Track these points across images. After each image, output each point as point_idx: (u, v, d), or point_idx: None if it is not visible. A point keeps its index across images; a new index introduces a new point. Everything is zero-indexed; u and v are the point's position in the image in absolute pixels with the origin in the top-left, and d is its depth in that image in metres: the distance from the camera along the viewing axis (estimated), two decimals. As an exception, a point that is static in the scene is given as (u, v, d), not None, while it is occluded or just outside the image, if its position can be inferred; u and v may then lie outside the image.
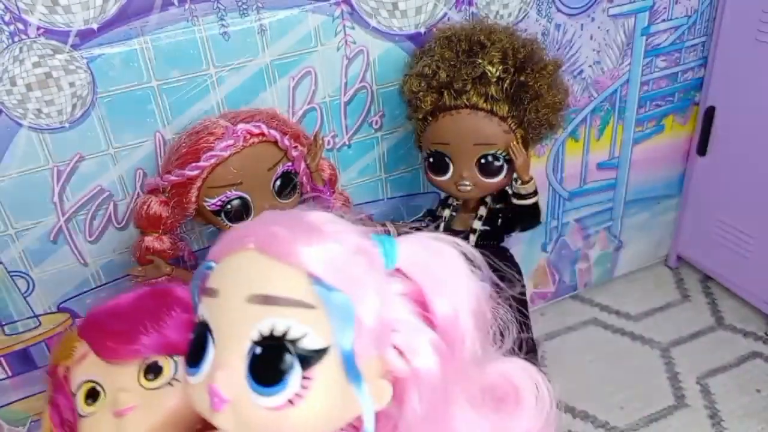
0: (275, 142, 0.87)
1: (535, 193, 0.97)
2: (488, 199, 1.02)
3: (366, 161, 1.12)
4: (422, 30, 1.03)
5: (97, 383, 0.64)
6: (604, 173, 1.40)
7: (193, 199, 0.85)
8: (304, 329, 0.42)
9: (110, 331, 0.63)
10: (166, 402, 0.62)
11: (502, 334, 0.55)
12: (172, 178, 0.85)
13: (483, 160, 0.94)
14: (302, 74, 0.99)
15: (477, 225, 1.02)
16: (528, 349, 1.18)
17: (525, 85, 0.91)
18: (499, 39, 0.91)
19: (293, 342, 0.42)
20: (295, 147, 0.90)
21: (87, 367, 0.64)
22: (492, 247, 1.06)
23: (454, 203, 1.05)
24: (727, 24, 1.27)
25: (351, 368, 0.43)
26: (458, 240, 0.49)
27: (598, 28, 1.20)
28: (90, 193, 0.94)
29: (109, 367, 0.63)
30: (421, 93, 0.93)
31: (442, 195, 1.09)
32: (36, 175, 0.90)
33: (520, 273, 1.13)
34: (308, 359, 0.42)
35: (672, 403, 1.27)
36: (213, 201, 0.86)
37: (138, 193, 0.96)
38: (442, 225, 1.05)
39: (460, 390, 0.48)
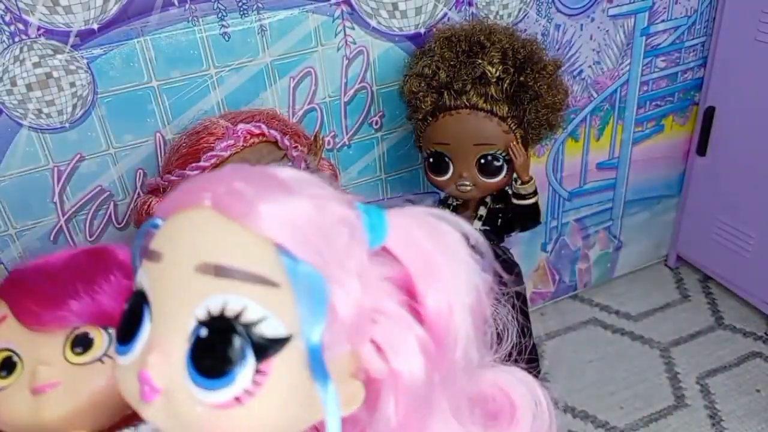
0: (275, 142, 0.87)
1: (535, 193, 0.97)
2: (488, 199, 1.03)
3: (366, 161, 1.13)
4: (422, 30, 1.04)
5: (14, 352, 0.54)
6: (603, 173, 1.40)
7: (194, 199, 0.85)
8: (263, 312, 0.34)
9: (35, 292, 0.53)
10: (93, 381, 0.53)
11: (500, 337, 0.47)
12: (173, 178, 0.85)
13: (483, 160, 0.94)
14: (302, 74, 0.99)
15: (477, 225, 1.02)
16: (529, 355, 1.18)
17: (525, 86, 0.91)
18: (499, 39, 0.91)
19: (248, 326, 0.34)
20: (296, 147, 0.90)
21: (4, 333, 0.55)
22: (492, 247, 1.06)
23: (454, 203, 1.05)
24: (727, 24, 1.27)
25: (317, 364, 0.34)
26: (461, 220, 0.41)
27: (598, 28, 1.20)
28: (90, 193, 0.94)
29: (30, 334, 0.54)
30: (421, 93, 0.93)
31: (442, 195, 1.09)
32: (36, 175, 0.90)
33: (520, 273, 1.13)
34: (265, 349, 0.34)
35: (672, 403, 1.27)
36: None
37: (138, 193, 0.96)
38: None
39: (446, 400, 0.40)
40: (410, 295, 0.38)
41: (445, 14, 1.04)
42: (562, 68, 1.04)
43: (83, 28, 0.83)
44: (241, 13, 0.91)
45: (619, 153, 1.39)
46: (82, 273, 0.55)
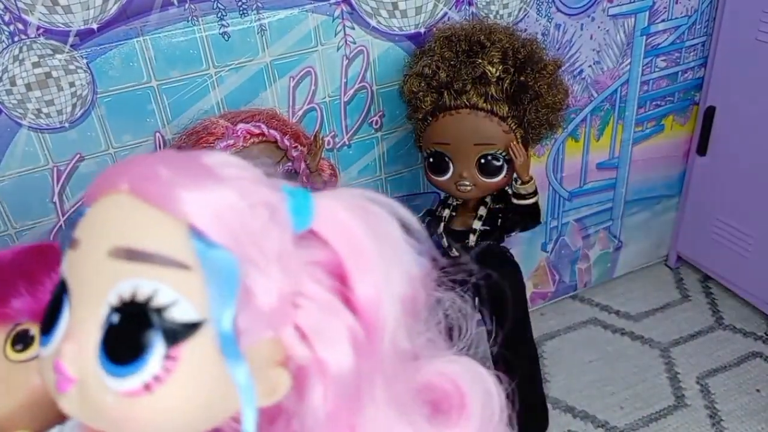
0: (275, 142, 0.87)
1: (535, 193, 0.97)
2: (488, 199, 1.02)
3: (366, 161, 1.13)
4: (422, 30, 1.04)
5: None
6: (603, 173, 1.40)
7: (193, 199, 0.85)
8: (174, 296, 0.33)
9: None
10: (33, 378, 0.52)
11: (456, 328, 0.45)
12: (172, 178, 0.85)
13: (483, 160, 0.94)
14: (302, 74, 0.99)
15: (477, 225, 1.02)
16: (529, 354, 1.18)
17: (525, 85, 0.91)
18: (499, 39, 0.91)
19: (159, 311, 0.33)
20: (295, 147, 0.90)
21: None
22: (492, 247, 1.06)
23: (454, 203, 1.05)
24: (727, 24, 1.27)
25: (230, 350, 0.34)
26: (395, 203, 0.39)
27: (598, 27, 1.20)
28: (90, 193, 0.94)
29: None
30: (421, 93, 0.93)
31: (442, 195, 1.09)
32: (36, 175, 0.90)
33: (520, 272, 1.13)
34: (175, 334, 0.33)
35: (672, 403, 1.27)
36: None
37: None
38: (442, 225, 1.05)
39: (382, 389, 0.38)
40: (342, 280, 0.37)
41: (445, 14, 1.04)
42: (563, 68, 1.04)
43: (82, 27, 0.83)
44: (241, 12, 0.91)
45: (619, 153, 1.39)
46: (24, 270, 0.54)
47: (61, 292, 0.37)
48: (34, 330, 0.53)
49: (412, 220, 0.40)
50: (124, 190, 0.35)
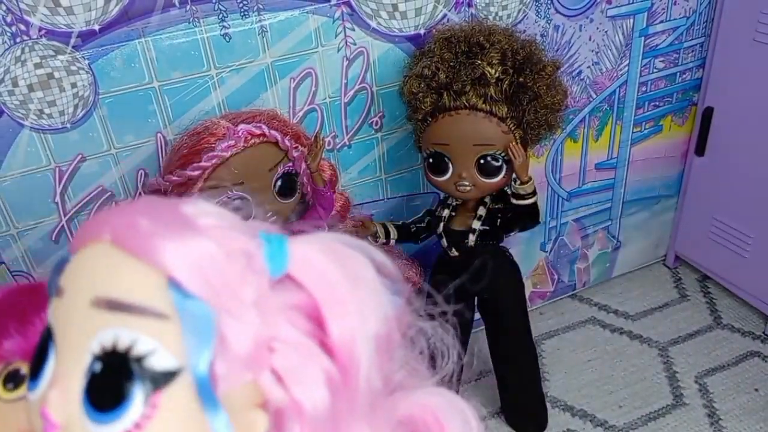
0: (276, 143, 0.88)
1: (534, 193, 0.97)
2: (487, 199, 1.03)
3: (366, 161, 1.13)
4: (422, 31, 1.04)
5: None
6: (602, 173, 1.40)
7: (195, 199, 0.86)
8: (153, 344, 0.35)
9: None
10: (23, 418, 0.50)
11: (436, 358, 0.46)
12: (174, 178, 0.85)
13: (482, 161, 0.94)
14: (303, 75, 1.00)
15: (476, 225, 1.03)
16: (528, 351, 1.19)
17: (524, 86, 0.91)
18: (498, 40, 0.92)
19: (139, 360, 0.34)
20: (296, 147, 0.90)
21: None
22: (491, 247, 1.07)
23: (454, 203, 1.05)
24: (725, 25, 1.28)
25: (207, 396, 0.35)
26: (370, 246, 0.41)
27: (597, 29, 1.20)
28: (92, 194, 0.94)
29: None
30: (420, 94, 0.94)
31: (442, 195, 1.10)
32: (38, 175, 0.90)
33: (519, 272, 1.13)
34: (155, 382, 0.35)
35: (670, 402, 1.27)
36: (214, 201, 0.86)
37: (140, 193, 0.97)
38: (441, 225, 1.05)
39: (360, 426, 0.39)
40: (319, 323, 0.38)
41: (445, 15, 1.04)
42: (561, 69, 1.05)
43: (84, 29, 0.84)
44: (242, 14, 0.91)
45: (617, 153, 1.39)
46: (14, 310, 0.55)
47: (47, 338, 0.38)
48: (25, 369, 0.53)
49: (386, 261, 0.41)
50: (107, 240, 0.36)
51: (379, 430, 0.40)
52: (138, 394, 0.34)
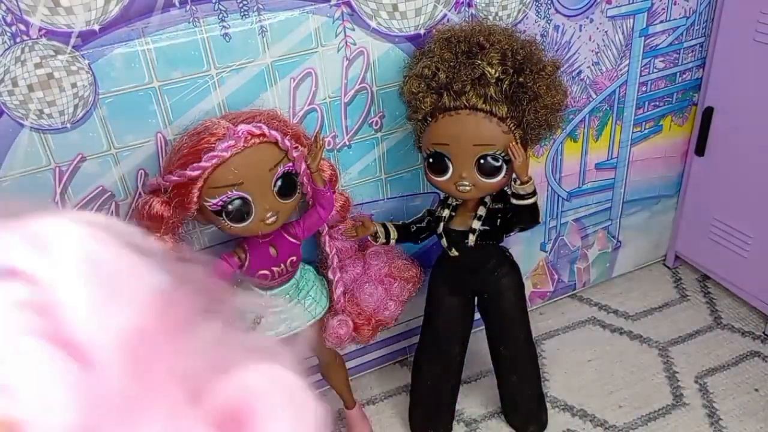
0: (276, 143, 0.88)
1: (534, 193, 0.97)
2: (487, 199, 1.03)
3: (366, 162, 1.13)
4: (422, 31, 1.04)
5: None
6: (602, 173, 1.40)
7: (195, 199, 0.86)
8: None
9: None
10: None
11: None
12: (174, 178, 0.85)
13: (482, 161, 0.94)
14: (303, 75, 1.00)
15: (476, 225, 1.03)
16: (528, 351, 1.19)
17: (524, 86, 0.91)
18: (498, 40, 0.92)
19: None
20: (296, 147, 0.90)
21: None
22: (491, 247, 1.07)
23: (454, 203, 1.05)
24: (725, 25, 1.28)
25: None
26: (126, 226, 0.37)
27: (597, 29, 1.20)
28: (92, 194, 0.94)
29: None
30: (420, 94, 0.94)
31: (442, 195, 1.10)
32: (38, 175, 0.90)
33: (519, 273, 1.13)
34: None
35: (670, 402, 1.28)
36: (214, 201, 0.86)
37: (140, 193, 0.97)
38: (441, 225, 1.05)
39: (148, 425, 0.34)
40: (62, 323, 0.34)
41: (445, 15, 1.05)
42: (561, 69, 1.05)
43: (84, 29, 0.84)
44: (242, 14, 0.91)
45: (617, 153, 1.39)
46: None
47: None
48: None
49: (148, 240, 0.38)
50: None
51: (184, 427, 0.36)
52: None
